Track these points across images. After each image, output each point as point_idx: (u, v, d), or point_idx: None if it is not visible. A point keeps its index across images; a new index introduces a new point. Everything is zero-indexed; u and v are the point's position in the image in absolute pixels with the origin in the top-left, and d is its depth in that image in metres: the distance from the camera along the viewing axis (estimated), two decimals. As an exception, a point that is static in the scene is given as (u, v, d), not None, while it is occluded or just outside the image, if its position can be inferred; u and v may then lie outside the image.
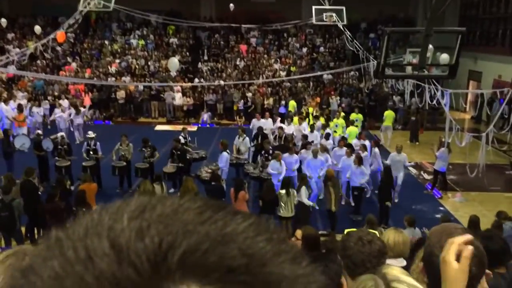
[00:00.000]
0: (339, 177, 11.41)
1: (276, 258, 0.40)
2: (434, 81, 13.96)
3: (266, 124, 15.37)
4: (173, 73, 20.87)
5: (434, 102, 14.31)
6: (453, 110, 18.46)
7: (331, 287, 2.19)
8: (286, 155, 11.41)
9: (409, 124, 19.67)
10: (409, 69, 11.76)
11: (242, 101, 21.96)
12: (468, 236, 1.37)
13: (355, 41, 20.72)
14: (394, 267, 1.35)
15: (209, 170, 11.77)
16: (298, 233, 5.05)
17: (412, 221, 8.33)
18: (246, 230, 0.40)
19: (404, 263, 3.77)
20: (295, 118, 16.06)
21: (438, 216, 10.48)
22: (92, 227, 0.39)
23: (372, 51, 23.25)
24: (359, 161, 10.93)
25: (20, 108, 16.60)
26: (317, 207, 11.02)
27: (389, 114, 18.31)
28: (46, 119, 19.01)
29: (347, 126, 15.40)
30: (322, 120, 15.72)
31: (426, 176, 14.24)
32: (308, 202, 9.81)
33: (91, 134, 12.59)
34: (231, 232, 0.39)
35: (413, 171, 14.42)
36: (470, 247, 1.33)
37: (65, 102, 18.83)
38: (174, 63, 16.70)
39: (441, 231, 1.71)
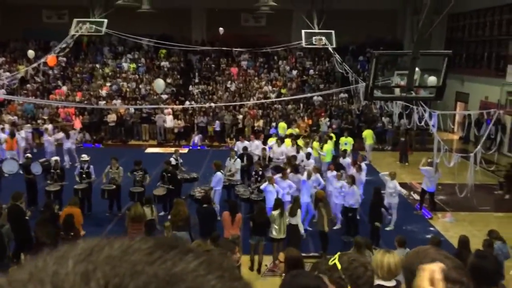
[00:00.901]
0: (330, 200, 11.41)
1: None
2: (422, 103, 14.17)
3: (252, 146, 15.48)
4: (159, 94, 20.99)
5: (423, 123, 14.49)
6: (441, 131, 18.69)
7: None
8: (279, 179, 11.36)
9: (398, 144, 19.85)
10: (397, 91, 11.94)
11: (218, 122, 22.07)
12: (438, 264, 1.40)
13: (344, 63, 21.03)
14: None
15: (202, 191, 11.73)
16: (281, 255, 5.04)
17: (402, 241, 8.32)
18: (196, 269, 0.40)
19: (393, 282, 3.76)
20: (287, 140, 16.13)
21: (429, 236, 10.48)
22: (36, 273, 0.38)
23: (361, 73, 23.61)
24: (352, 181, 10.98)
25: (12, 133, 16.60)
26: (309, 228, 11.01)
27: (367, 133, 18.77)
28: (29, 142, 18.81)
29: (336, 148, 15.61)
30: (300, 142, 15.67)
31: (416, 196, 14.30)
32: (301, 228, 9.81)
33: (85, 157, 12.54)
34: (180, 271, 0.39)
35: (403, 191, 14.48)
36: (439, 266, 1.35)
37: (50, 126, 18.69)
38: (159, 84, 16.85)
39: (417, 252, 1.75)
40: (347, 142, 16.71)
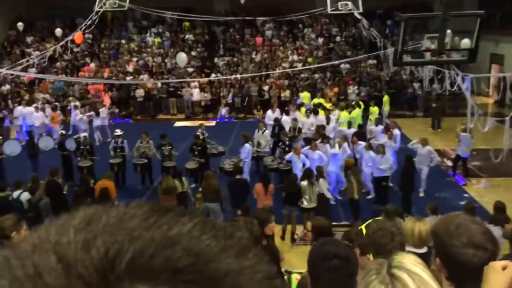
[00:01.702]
0: (360, 169, 11.30)
1: (222, 254, 0.41)
2: (454, 66, 13.71)
3: (271, 116, 15.36)
4: (182, 68, 20.98)
5: (455, 87, 14.06)
6: (475, 95, 18.11)
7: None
8: (309, 151, 11.26)
9: (430, 110, 19.38)
10: (428, 55, 11.59)
11: (230, 94, 21.92)
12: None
13: (371, 29, 20.46)
14: (407, 255, 1.36)
15: (231, 163, 11.83)
16: (309, 224, 5.06)
17: (435, 208, 8.22)
18: (191, 231, 0.42)
19: (424, 249, 3.74)
20: (320, 111, 15.91)
21: (462, 203, 10.32)
22: (39, 243, 0.40)
23: (389, 38, 22.94)
24: (383, 150, 10.83)
25: (54, 108, 17.43)
26: (339, 197, 10.99)
27: (386, 99, 18.47)
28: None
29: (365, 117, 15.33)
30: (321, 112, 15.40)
31: (449, 163, 14.02)
32: (328, 195, 9.79)
33: (118, 132, 12.79)
34: (176, 234, 0.41)
35: (432, 154, 14.14)
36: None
37: (78, 104, 19.05)
38: (182, 57, 16.86)
39: (445, 221, 1.74)
40: (372, 112, 16.33)
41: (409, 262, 1.28)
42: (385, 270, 1.25)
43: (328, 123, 13.96)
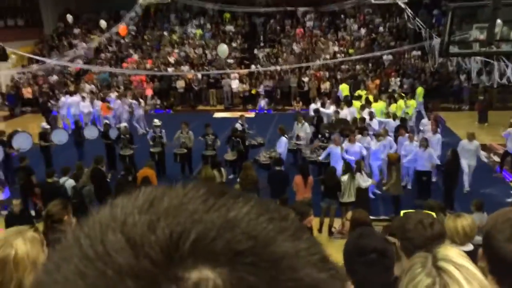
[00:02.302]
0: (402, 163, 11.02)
1: (278, 236, 0.42)
2: (504, 58, 13.12)
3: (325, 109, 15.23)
4: (223, 59, 21.08)
5: (504, 79, 13.46)
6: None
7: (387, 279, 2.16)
8: (348, 144, 11.06)
9: (476, 103, 18.65)
10: (476, 46, 11.14)
11: (262, 85, 21.76)
12: None
13: (417, 18, 19.83)
14: (452, 248, 1.33)
15: (267, 156, 11.85)
16: (349, 214, 4.99)
17: (480, 205, 7.94)
18: (248, 213, 0.43)
19: (471, 247, 3.62)
20: (355, 102, 15.67)
21: (509, 200, 9.92)
22: (106, 223, 0.42)
23: (436, 28, 22.15)
24: (426, 144, 10.51)
25: (104, 99, 18.36)
26: (378, 192, 10.79)
27: (419, 91, 18.01)
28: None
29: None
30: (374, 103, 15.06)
31: (496, 158, 13.46)
32: (366, 183, 9.59)
33: (157, 122, 13.06)
34: (234, 217, 0.42)
35: (483, 153, 13.63)
36: None
37: (113, 95, 19.58)
38: (223, 49, 16.94)
39: (498, 214, 1.70)
40: (409, 105, 15.85)
41: (454, 254, 1.26)
42: (430, 263, 1.24)
43: (371, 118, 13.57)
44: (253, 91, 22.03)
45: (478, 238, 4.36)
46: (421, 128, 13.24)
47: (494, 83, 15.46)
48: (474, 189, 11.03)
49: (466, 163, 10.88)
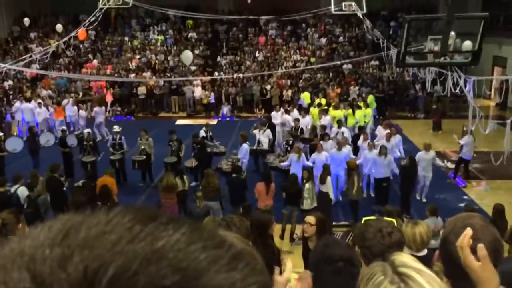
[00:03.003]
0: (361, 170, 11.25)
1: (211, 267, 0.38)
2: (457, 68, 13.69)
3: (276, 116, 15.39)
4: (187, 66, 20.92)
5: (457, 89, 14.03)
6: (477, 98, 18.07)
7: None
8: (315, 156, 11.09)
9: (431, 112, 19.37)
10: (430, 57, 11.55)
11: (212, 94, 21.92)
12: (468, 231, 1.42)
13: (375, 29, 20.43)
14: (404, 254, 1.37)
15: (229, 163, 11.87)
16: (311, 219, 5.03)
17: (434, 210, 8.24)
18: (178, 242, 0.39)
19: (425, 252, 3.74)
20: (313, 110, 15.94)
21: (462, 205, 10.33)
22: (13, 258, 0.37)
23: (393, 39, 22.89)
24: (386, 151, 10.77)
25: (58, 102, 17.83)
26: (340, 199, 10.97)
27: (371, 99, 18.55)
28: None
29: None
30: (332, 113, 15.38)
31: (449, 165, 14.01)
32: (331, 195, 9.78)
33: (116, 128, 12.80)
34: (162, 246, 0.38)
35: (437, 160, 14.13)
36: (469, 232, 1.38)
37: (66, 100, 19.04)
38: (187, 55, 16.81)
39: (456, 218, 1.74)
40: (365, 114, 16.24)
41: (410, 260, 1.27)
42: (390, 271, 1.23)
43: (340, 126, 13.67)
44: (205, 101, 21.98)
45: (432, 242, 4.53)
46: (377, 133, 13.53)
47: (448, 93, 16.07)
48: (429, 194, 11.42)
49: (422, 175, 11.10)
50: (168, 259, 0.37)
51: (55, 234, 0.38)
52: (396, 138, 12.34)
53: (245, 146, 12.08)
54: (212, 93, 22.04)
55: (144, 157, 12.30)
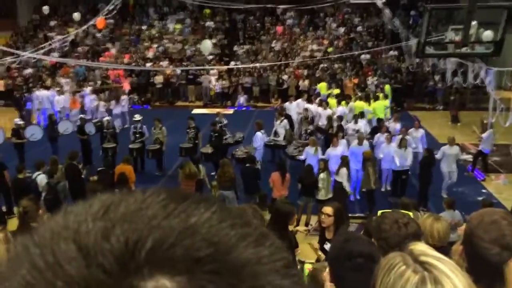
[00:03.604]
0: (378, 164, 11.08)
1: (240, 243, 0.41)
2: (478, 59, 13.41)
3: (292, 106, 15.29)
4: (206, 55, 20.88)
5: (478, 80, 13.77)
6: (498, 89, 17.71)
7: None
8: (331, 150, 10.92)
9: (450, 104, 19.05)
10: (451, 47, 11.34)
11: (217, 84, 21.82)
12: None
13: (394, 19, 20.09)
14: (422, 244, 1.35)
15: (245, 150, 11.88)
16: (328, 209, 5.01)
17: (451, 203, 8.14)
18: (209, 219, 0.41)
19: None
20: (331, 100, 15.82)
21: (480, 198, 10.18)
22: (58, 231, 0.40)
23: (413, 29, 22.51)
24: (405, 143, 10.63)
25: (75, 92, 18.08)
26: (358, 197, 10.84)
27: (388, 89, 18.40)
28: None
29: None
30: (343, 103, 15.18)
31: (468, 157, 13.79)
32: (347, 186, 9.71)
33: (137, 117, 12.92)
34: (195, 223, 0.40)
35: (462, 155, 13.75)
36: None
37: (87, 89, 19.25)
38: (206, 45, 16.72)
39: (482, 213, 1.71)
40: (385, 106, 15.99)
41: (429, 249, 1.26)
42: (411, 260, 1.22)
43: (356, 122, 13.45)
44: (211, 92, 21.94)
45: (451, 236, 4.47)
46: (387, 124, 13.27)
47: (468, 84, 15.80)
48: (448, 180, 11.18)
49: (447, 170, 10.75)
50: (201, 234, 0.40)
51: (96, 209, 0.41)
52: (419, 132, 12.11)
53: (259, 134, 12.05)
54: (218, 83, 21.94)
55: (158, 146, 12.39)
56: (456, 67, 16.56)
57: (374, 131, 12.77)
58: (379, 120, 13.50)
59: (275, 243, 0.44)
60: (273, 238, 0.45)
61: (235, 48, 25.12)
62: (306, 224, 9.47)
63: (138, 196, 0.43)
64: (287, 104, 15.78)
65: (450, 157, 10.75)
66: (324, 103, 15.07)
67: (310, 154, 10.86)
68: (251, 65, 22.35)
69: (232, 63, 23.29)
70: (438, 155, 10.84)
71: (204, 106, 21.57)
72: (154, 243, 0.38)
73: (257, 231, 0.44)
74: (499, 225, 1.61)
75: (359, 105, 15.10)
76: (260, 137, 12.01)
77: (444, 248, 3.63)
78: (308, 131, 12.55)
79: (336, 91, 18.19)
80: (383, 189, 11.17)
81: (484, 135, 12.13)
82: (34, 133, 13.22)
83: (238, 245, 0.41)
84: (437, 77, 20.88)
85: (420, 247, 1.29)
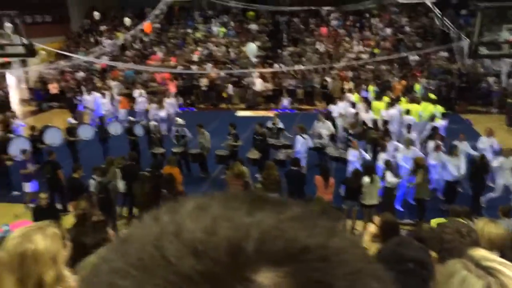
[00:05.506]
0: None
1: (330, 235, 0.43)
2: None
3: (335, 109, 15.05)
4: (252, 58, 20.98)
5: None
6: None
7: None
8: (384, 154, 10.60)
9: (505, 107, 18.16)
10: (506, 47, 10.86)
11: (261, 86, 21.62)
12: None
13: (444, 19, 19.44)
14: (482, 250, 1.27)
15: (286, 154, 11.79)
16: (377, 219, 4.89)
17: (507, 211, 7.73)
18: (302, 213, 0.44)
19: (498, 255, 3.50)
20: (378, 103, 15.45)
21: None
22: (157, 233, 0.41)
23: (464, 29, 21.69)
24: (457, 151, 10.20)
25: (125, 94, 18.78)
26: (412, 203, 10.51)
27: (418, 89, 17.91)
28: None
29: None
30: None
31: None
32: (393, 181, 9.38)
33: (179, 121, 13.13)
34: (288, 217, 0.43)
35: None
36: None
37: (137, 91, 19.69)
38: (252, 48, 16.78)
39: None
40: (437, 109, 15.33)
41: (489, 254, 1.21)
42: (473, 266, 1.18)
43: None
44: (224, 95, 21.92)
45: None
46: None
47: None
48: (501, 194, 10.72)
49: (502, 182, 10.07)
50: (297, 227, 0.42)
51: (190, 210, 0.43)
52: (464, 145, 11.47)
53: (300, 138, 11.88)
54: (262, 86, 21.96)
55: (199, 150, 12.48)
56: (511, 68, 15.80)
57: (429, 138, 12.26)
58: (434, 128, 12.95)
59: (349, 235, 0.47)
60: (345, 230, 0.48)
61: (279, 50, 25.10)
62: (351, 229, 9.28)
63: (220, 197, 0.45)
64: (331, 106, 15.58)
65: (506, 170, 10.04)
66: (366, 106, 14.80)
67: (355, 156, 10.65)
68: (295, 68, 22.24)
69: (276, 65, 23.28)
70: (495, 164, 10.23)
71: (248, 109, 21.66)
72: (259, 236, 0.40)
73: (336, 226, 0.46)
74: None
75: (416, 108, 14.54)
76: (301, 141, 11.85)
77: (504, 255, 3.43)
78: (351, 132, 12.32)
79: (386, 98, 17.65)
80: (440, 197, 10.77)
81: None
82: (86, 132, 13.73)
83: (330, 235, 0.43)
84: (491, 79, 19.98)
85: (480, 252, 1.23)
